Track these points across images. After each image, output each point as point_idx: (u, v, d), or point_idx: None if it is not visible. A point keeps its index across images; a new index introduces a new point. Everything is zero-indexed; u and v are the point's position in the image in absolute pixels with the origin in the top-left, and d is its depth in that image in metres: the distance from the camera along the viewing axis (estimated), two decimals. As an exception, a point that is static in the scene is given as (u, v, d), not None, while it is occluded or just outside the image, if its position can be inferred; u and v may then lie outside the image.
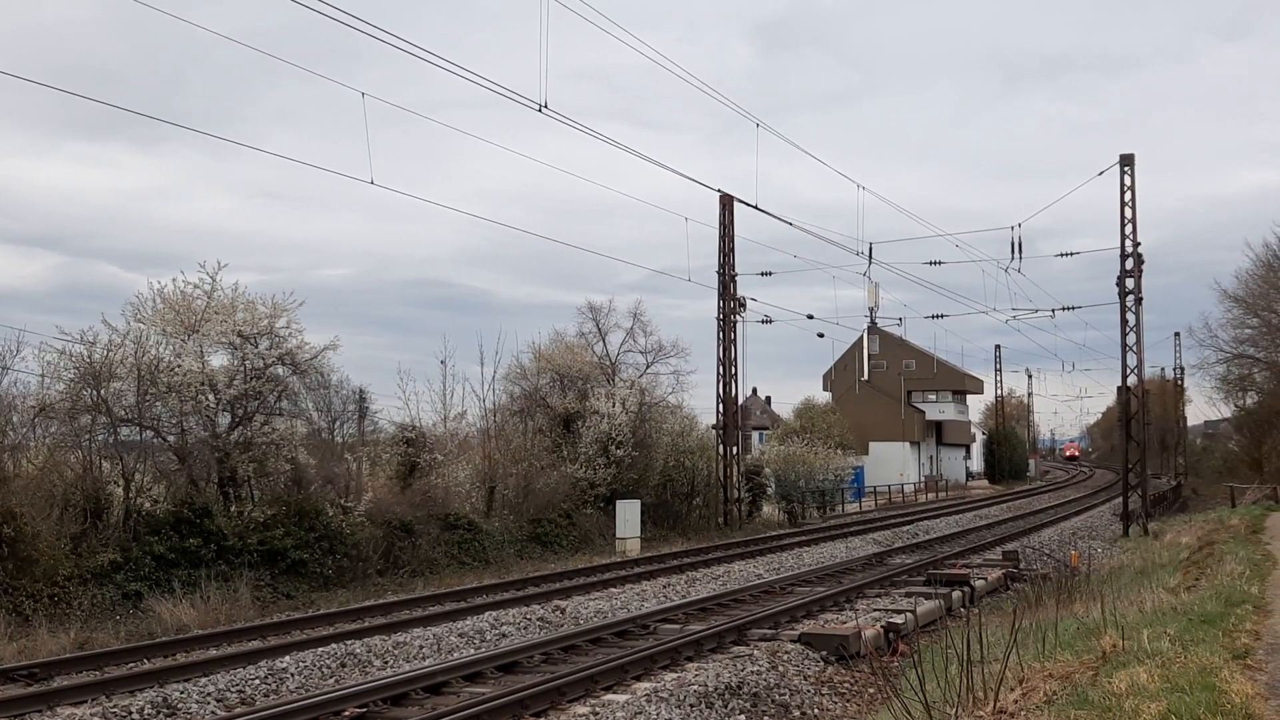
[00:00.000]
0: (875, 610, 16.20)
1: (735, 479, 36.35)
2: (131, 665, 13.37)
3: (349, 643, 13.97)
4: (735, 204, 35.71)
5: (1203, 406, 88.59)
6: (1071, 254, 60.37)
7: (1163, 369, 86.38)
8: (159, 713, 10.73)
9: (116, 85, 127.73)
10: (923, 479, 71.35)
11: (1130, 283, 33.59)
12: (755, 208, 31.91)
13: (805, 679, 12.11)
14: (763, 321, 38.94)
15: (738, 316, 36.37)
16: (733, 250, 36.23)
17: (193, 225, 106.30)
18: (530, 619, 16.13)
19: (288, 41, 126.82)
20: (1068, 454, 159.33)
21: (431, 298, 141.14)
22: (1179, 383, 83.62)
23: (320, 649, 13.56)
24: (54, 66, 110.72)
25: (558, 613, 16.83)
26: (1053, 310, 40.86)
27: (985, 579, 19.67)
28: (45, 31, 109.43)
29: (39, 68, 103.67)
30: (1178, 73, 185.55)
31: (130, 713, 10.65)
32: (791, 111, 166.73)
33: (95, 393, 20.14)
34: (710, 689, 11.01)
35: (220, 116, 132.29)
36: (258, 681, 12.00)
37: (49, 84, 43.64)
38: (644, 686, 11.44)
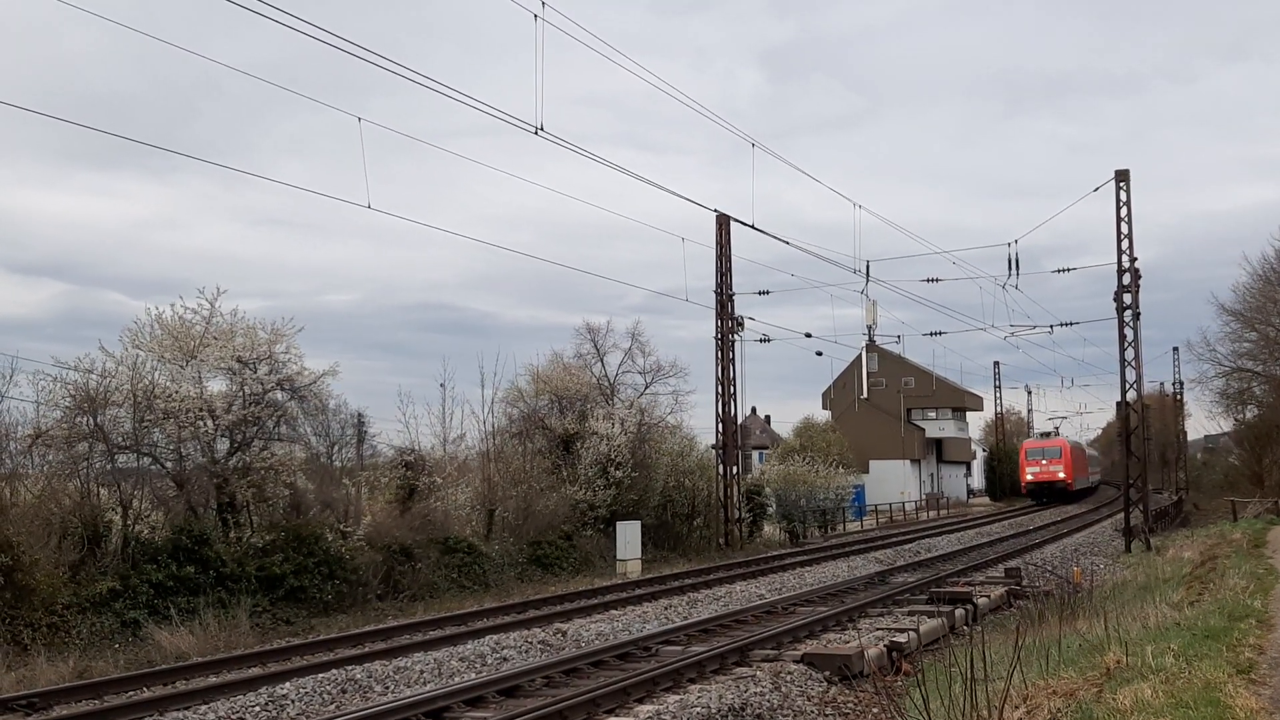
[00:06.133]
0: (878, 629, 16.12)
1: (736, 499, 36.27)
2: (131, 693, 13.30)
3: (349, 668, 13.89)
4: (732, 224, 35.81)
5: (1202, 421, 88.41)
6: (1068, 270, 60.24)
7: (1162, 384, 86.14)
8: (158, 741, 10.65)
9: (128, 116, 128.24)
10: (923, 497, 71.21)
11: (1128, 298, 33.66)
12: (751, 227, 31.99)
13: (809, 699, 12.04)
14: (761, 340, 38.92)
15: (736, 336, 36.41)
16: (730, 270, 36.30)
17: (202, 252, 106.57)
18: (531, 642, 16.05)
19: (299, 73, 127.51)
20: (1029, 480, 68.47)
21: (435, 321, 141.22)
22: (1178, 397, 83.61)
23: (321, 675, 13.48)
24: (70, 98, 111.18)
25: (559, 635, 16.75)
26: (1051, 326, 40.73)
27: (988, 596, 19.59)
28: (63, 64, 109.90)
29: (56, 99, 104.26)
30: (1178, 93, 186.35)
31: (129, 742, 10.58)
32: (798, 135, 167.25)
33: (92, 420, 20.11)
34: (713, 710, 10.94)
35: (231, 146, 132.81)
36: (258, 708, 11.92)
37: (63, 117, 44.16)
38: (646, 709, 11.37)
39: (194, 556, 19.45)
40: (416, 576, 23.58)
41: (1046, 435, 77.17)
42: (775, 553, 34.18)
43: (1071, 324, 41.38)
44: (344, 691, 12.85)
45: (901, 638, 14.99)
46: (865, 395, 73.93)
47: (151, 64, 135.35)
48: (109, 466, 20.46)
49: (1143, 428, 35.46)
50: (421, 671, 13.93)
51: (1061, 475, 67.48)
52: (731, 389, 36.22)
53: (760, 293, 38.51)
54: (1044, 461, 68.01)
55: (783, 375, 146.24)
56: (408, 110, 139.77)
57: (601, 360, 39.69)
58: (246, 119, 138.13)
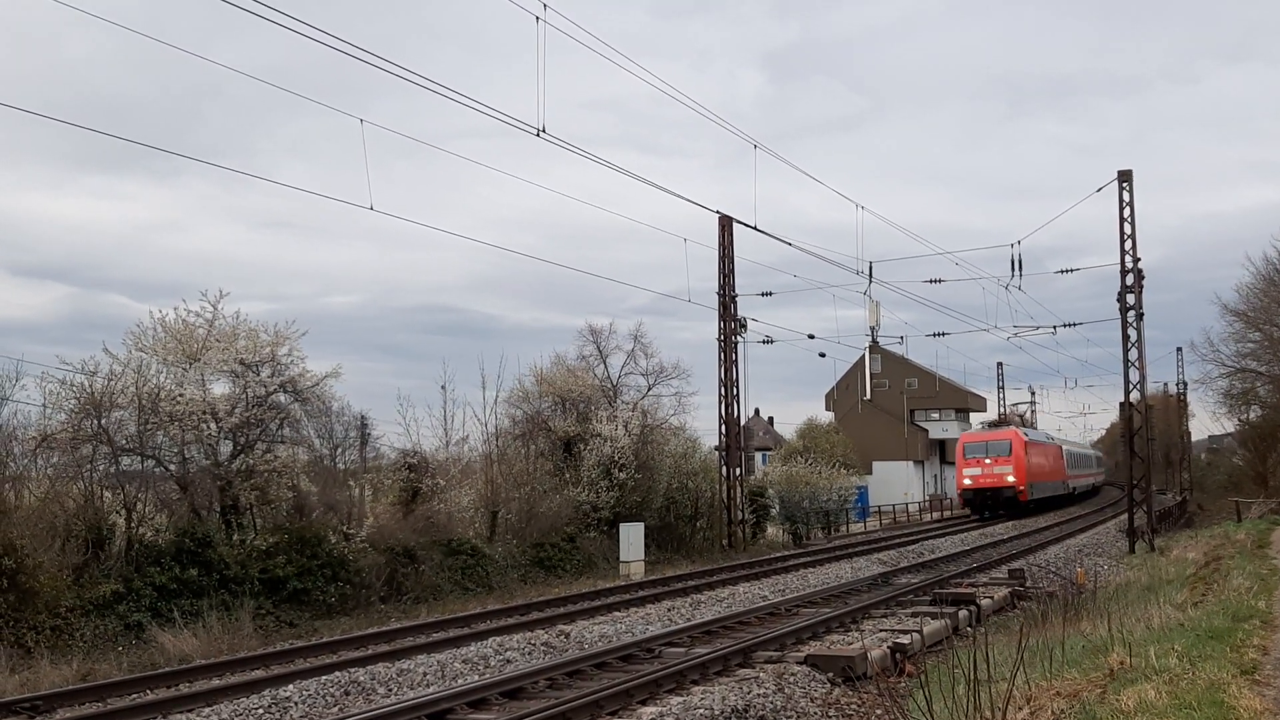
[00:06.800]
0: (881, 631, 16.12)
1: (739, 500, 36.26)
2: (134, 696, 13.31)
3: (353, 670, 13.90)
4: (735, 225, 35.83)
5: (1206, 421, 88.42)
6: (1071, 270, 60.39)
7: (1166, 384, 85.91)
8: (162, 744, 10.66)
9: (132, 120, 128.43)
10: (927, 498, 71.17)
11: (1131, 298, 33.61)
12: (754, 228, 31.96)
13: (812, 701, 12.04)
14: (764, 342, 38.90)
15: (739, 337, 36.40)
16: (732, 271, 36.30)
17: (205, 255, 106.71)
18: (535, 644, 16.05)
19: (301, 76, 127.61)
20: (966, 485, 50.56)
21: (438, 324, 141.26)
22: (1182, 398, 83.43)
23: (324, 677, 13.48)
24: (75, 101, 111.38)
25: (562, 637, 16.75)
26: (1054, 327, 40.69)
27: (991, 598, 19.57)
28: (66, 68, 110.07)
29: (61, 103, 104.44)
30: (1181, 94, 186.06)
31: (133, 744, 10.59)
32: (800, 137, 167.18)
33: (96, 422, 20.14)
34: (716, 712, 10.94)
35: (234, 149, 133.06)
36: (261, 711, 11.93)
37: (69, 121, 44.24)
38: (649, 711, 11.36)
39: (197, 559, 19.46)
40: (420, 578, 23.59)
41: (995, 425, 57.37)
42: (778, 554, 34.16)
43: (1075, 325, 41.33)
44: (347, 694, 12.85)
45: (905, 639, 14.98)
46: (868, 396, 73.96)
47: (155, 67, 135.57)
48: (113, 469, 20.50)
49: (1146, 428, 35.42)
50: (425, 673, 13.93)
51: (1010, 479, 48.88)
52: (734, 390, 36.23)
53: (763, 294, 38.49)
54: (986, 461, 49.65)
55: (786, 377, 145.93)
56: (410, 112, 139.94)
57: (604, 362, 39.73)
58: (249, 122, 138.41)
